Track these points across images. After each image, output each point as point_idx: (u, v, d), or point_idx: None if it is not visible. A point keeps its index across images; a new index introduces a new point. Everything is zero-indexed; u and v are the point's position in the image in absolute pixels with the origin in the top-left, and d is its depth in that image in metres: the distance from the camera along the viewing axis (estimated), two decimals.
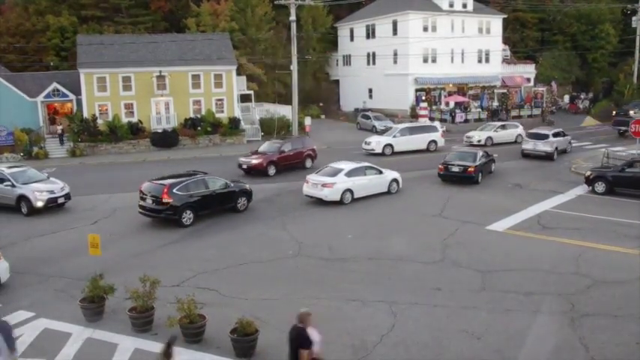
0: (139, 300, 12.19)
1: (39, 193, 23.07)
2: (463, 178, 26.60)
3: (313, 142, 34.38)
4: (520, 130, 41.12)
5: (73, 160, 38.33)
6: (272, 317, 12.69)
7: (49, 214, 23.03)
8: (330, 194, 23.32)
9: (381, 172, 25.29)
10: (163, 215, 20.71)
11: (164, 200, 20.35)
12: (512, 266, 15.97)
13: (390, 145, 35.86)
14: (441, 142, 37.54)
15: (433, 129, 38.21)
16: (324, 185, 23.43)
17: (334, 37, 64.93)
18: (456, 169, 26.79)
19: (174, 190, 20.62)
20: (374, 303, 13.55)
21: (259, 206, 23.76)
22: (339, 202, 23.38)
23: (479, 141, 39.27)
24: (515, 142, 39.63)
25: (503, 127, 41.91)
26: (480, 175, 27.00)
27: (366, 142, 36.71)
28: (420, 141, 36.89)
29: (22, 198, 23.10)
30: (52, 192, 23.41)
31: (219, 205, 22.10)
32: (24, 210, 23.09)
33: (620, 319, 12.47)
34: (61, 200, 23.77)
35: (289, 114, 45.79)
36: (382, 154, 35.03)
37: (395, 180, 25.63)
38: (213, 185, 22.13)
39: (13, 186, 23.30)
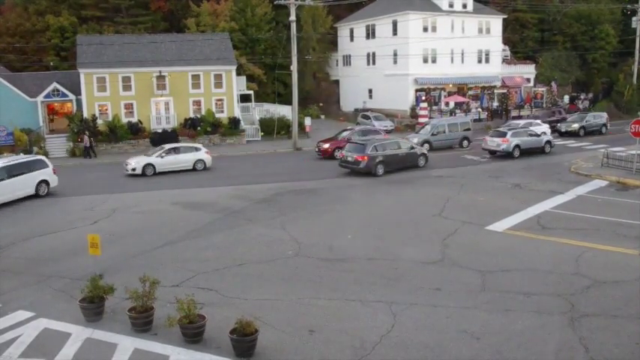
0: (139, 300, 12.19)
1: None
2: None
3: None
4: (202, 154, 34.02)
5: (72, 160, 38.35)
6: (272, 317, 12.70)
7: (48, 214, 23.03)
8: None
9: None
10: None
11: None
12: (512, 266, 15.97)
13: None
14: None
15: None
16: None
17: (334, 37, 64.98)
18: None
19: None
20: (373, 303, 13.54)
21: (259, 207, 23.79)
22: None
23: (133, 170, 31.72)
24: (194, 169, 33.58)
25: (174, 150, 33.49)
26: None
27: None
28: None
29: None
30: None
31: None
32: None
33: (620, 320, 12.46)
34: None
35: (289, 114, 45.83)
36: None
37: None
38: None
39: None
